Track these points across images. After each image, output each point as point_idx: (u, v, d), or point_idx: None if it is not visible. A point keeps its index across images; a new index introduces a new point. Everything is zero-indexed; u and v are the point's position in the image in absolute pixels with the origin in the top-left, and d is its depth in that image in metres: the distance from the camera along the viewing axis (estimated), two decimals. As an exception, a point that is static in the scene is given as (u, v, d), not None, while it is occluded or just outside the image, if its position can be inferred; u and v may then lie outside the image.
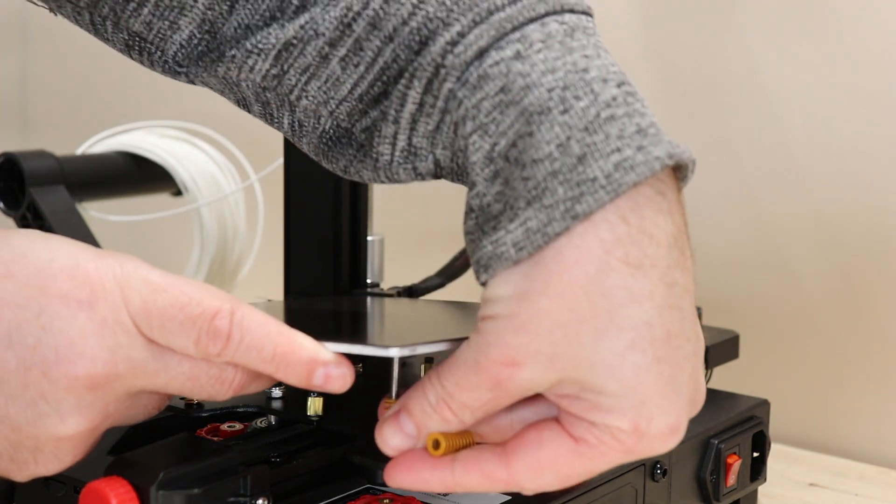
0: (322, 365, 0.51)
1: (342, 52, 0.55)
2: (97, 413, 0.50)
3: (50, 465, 0.51)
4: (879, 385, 0.95)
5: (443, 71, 0.52)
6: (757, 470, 0.75)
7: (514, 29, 0.51)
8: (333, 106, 0.56)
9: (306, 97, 0.56)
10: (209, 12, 0.57)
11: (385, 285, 0.85)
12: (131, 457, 0.53)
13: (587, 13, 0.54)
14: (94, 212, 1.01)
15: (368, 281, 0.84)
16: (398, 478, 0.52)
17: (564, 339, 0.49)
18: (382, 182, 0.57)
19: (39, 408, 0.49)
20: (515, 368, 0.49)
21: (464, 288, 0.87)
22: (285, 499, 0.58)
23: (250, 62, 0.56)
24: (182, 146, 1.06)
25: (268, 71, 0.56)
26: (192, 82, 0.60)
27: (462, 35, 0.52)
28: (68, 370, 0.49)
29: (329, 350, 0.52)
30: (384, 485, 0.60)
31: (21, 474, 0.52)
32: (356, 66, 0.55)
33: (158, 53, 0.59)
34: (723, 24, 0.99)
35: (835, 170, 0.95)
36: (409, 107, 0.54)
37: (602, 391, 0.49)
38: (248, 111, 0.60)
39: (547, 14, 0.52)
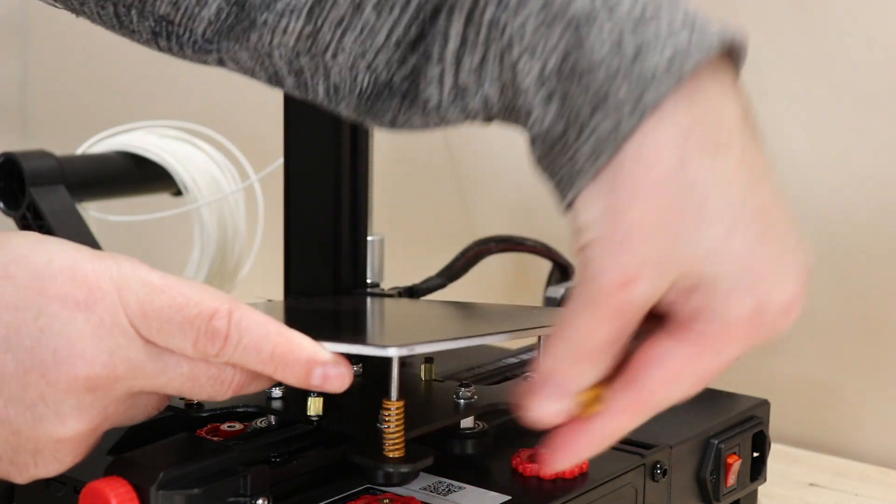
0: (320, 365, 0.51)
1: None
2: (96, 414, 0.50)
3: (50, 466, 0.51)
4: (879, 385, 0.95)
5: (482, 0, 0.52)
6: (757, 470, 0.75)
7: None
8: (371, 57, 0.55)
9: (342, 52, 0.56)
10: None
11: (385, 285, 0.85)
12: (131, 457, 0.53)
13: None
14: (94, 212, 1.01)
15: (368, 281, 0.84)
16: (567, 456, 0.52)
17: (666, 239, 0.48)
18: (434, 128, 0.56)
19: (39, 410, 0.49)
20: (630, 286, 0.48)
21: (464, 288, 0.87)
22: (285, 499, 0.58)
23: (283, 23, 0.56)
24: (182, 146, 1.06)
25: (301, 30, 0.56)
26: (222, 61, 0.59)
27: None
28: (67, 372, 0.49)
29: (327, 350, 0.52)
30: (384, 484, 0.60)
31: (21, 476, 0.52)
32: (391, 10, 0.54)
33: (187, 34, 0.58)
34: (723, 24, 0.99)
35: (835, 170, 0.95)
36: (453, 43, 0.53)
37: (717, 279, 0.48)
38: (281, 86, 0.59)
39: None
